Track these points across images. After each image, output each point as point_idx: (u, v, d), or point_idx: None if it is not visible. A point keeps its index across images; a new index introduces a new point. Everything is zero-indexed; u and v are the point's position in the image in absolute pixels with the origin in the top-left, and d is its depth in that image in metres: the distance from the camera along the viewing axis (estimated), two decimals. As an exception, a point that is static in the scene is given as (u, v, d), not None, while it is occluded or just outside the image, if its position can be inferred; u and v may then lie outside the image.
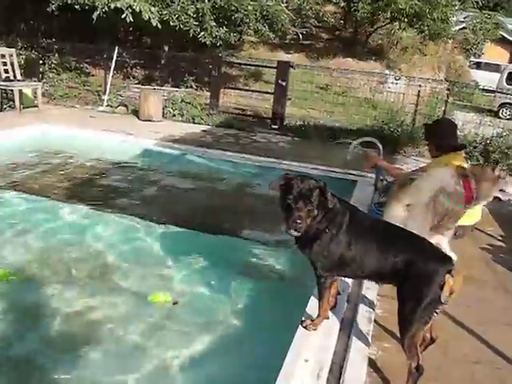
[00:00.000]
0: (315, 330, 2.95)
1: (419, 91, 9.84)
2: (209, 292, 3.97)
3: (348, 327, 3.10)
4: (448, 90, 9.82)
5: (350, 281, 3.57)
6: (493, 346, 3.12)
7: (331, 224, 2.72)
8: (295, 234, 2.64)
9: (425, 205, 3.69)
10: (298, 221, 2.57)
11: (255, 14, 11.83)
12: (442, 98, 10.31)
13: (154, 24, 11.18)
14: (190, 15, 11.40)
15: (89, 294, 3.85)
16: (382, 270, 2.70)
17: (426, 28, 17.63)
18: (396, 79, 11.28)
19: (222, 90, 11.40)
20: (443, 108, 9.69)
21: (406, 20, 17.39)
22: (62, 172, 6.77)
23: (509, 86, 18.48)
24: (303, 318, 3.04)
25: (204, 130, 9.56)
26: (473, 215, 4.37)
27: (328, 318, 3.03)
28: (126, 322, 3.54)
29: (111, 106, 11.16)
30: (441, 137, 4.68)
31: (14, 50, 10.13)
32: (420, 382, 2.57)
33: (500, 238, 5.07)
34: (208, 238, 4.91)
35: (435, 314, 2.57)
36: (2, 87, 9.51)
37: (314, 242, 2.75)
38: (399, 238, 2.80)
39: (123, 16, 10.71)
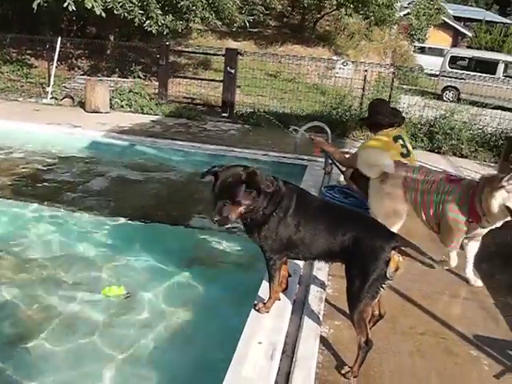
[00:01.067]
0: (267, 312, 2.99)
1: (365, 76, 10.03)
2: (162, 282, 3.95)
3: (300, 308, 3.16)
4: (393, 73, 10.04)
5: (301, 263, 3.63)
6: (438, 318, 3.25)
7: (278, 207, 2.76)
8: (220, 227, 2.73)
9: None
10: (217, 216, 2.61)
11: (201, 2, 11.72)
12: (387, 82, 10.53)
13: (98, 13, 10.89)
14: (134, 3, 11.17)
15: (40, 290, 3.77)
16: (331, 250, 2.76)
17: (371, 14, 17.99)
18: (343, 64, 11.42)
19: (170, 79, 11.27)
20: (389, 92, 9.89)
21: (351, 6, 17.66)
22: (5, 167, 6.54)
23: (451, 70, 19.05)
24: (256, 302, 3.07)
25: (153, 120, 9.43)
26: None
27: (279, 299, 3.07)
28: (78, 316, 3.49)
29: (56, 99, 10.85)
30: (370, 116, 4.92)
31: None
32: (370, 355, 2.66)
33: (445, 215, 5.25)
34: (159, 228, 4.87)
35: (382, 290, 2.64)
36: None
37: (262, 226, 2.78)
38: (347, 218, 2.87)
39: (65, 5, 10.38)
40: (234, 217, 2.67)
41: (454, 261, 3.74)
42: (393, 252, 2.58)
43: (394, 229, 3.87)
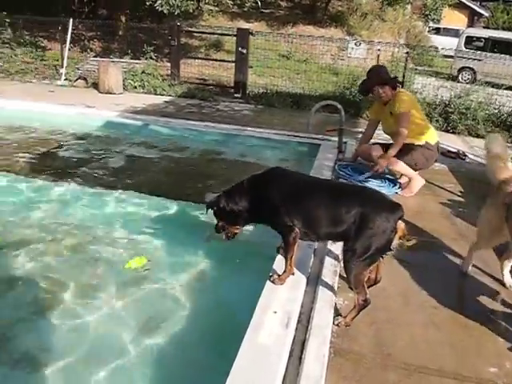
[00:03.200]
0: (282, 284, 3.03)
1: (378, 55, 9.92)
2: (178, 255, 4.00)
3: (315, 280, 3.20)
4: (407, 53, 9.91)
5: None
6: (451, 292, 3.27)
7: (251, 199, 3.04)
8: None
9: None
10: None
11: (212, -19, 11.65)
12: (401, 62, 10.42)
13: (109, -8, 10.92)
14: (145, -18, 11.13)
15: (59, 264, 3.82)
16: (336, 228, 2.78)
17: (385, -7, 17.75)
18: (356, 44, 11.32)
19: (182, 60, 11.25)
20: (403, 72, 9.77)
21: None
22: (22, 146, 6.62)
23: (467, 50, 18.76)
24: (271, 273, 3.12)
25: (166, 101, 9.46)
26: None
27: (293, 273, 3.11)
28: (98, 288, 3.53)
29: (70, 80, 10.90)
30: (387, 75, 5.03)
31: (-38, 24, 9.72)
32: (383, 326, 2.70)
33: (459, 193, 5.25)
34: (174, 204, 4.89)
35: (381, 259, 2.78)
36: (-46, 64, 9.15)
37: (257, 215, 3.09)
38: (346, 193, 2.93)
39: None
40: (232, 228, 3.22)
41: None
42: (399, 222, 2.65)
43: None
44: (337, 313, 2.88)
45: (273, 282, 3.04)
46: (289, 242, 2.93)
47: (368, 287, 2.88)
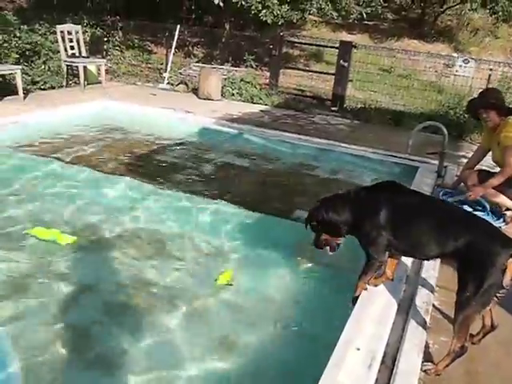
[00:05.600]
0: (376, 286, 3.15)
1: (490, 75, 9.30)
2: (264, 273, 3.90)
3: (403, 317, 2.99)
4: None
5: (409, 268, 3.47)
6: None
7: (360, 216, 2.93)
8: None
9: None
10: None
11: (318, -8, 11.57)
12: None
13: (216, 2, 11.20)
14: (252, -8, 11.28)
15: (146, 267, 3.87)
16: (442, 252, 2.68)
17: (499, 9, 16.68)
18: (465, 62, 10.69)
19: (281, 70, 11.24)
20: (515, 95, 9.10)
21: (478, 0, 16.51)
22: (122, 147, 6.88)
23: None
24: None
25: (262, 110, 9.47)
26: None
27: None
28: (183, 297, 3.51)
29: (172, 84, 11.26)
30: (502, 100, 4.68)
31: (79, 26, 10.35)
32: (481, 380, 2.44)
33: None
34: (263, 218, 4.82)
35: (495, 299, 2.52)
36: (68, 63, 9.77)
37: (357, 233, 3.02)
38: (458, 219, 2.76)
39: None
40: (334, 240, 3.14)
41: None
42: (510, 260, 2.41)
43: None
44: (426, 358, 2.65)
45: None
46: (372, 267, 2.95)
47: (484, 335, 2.73)
